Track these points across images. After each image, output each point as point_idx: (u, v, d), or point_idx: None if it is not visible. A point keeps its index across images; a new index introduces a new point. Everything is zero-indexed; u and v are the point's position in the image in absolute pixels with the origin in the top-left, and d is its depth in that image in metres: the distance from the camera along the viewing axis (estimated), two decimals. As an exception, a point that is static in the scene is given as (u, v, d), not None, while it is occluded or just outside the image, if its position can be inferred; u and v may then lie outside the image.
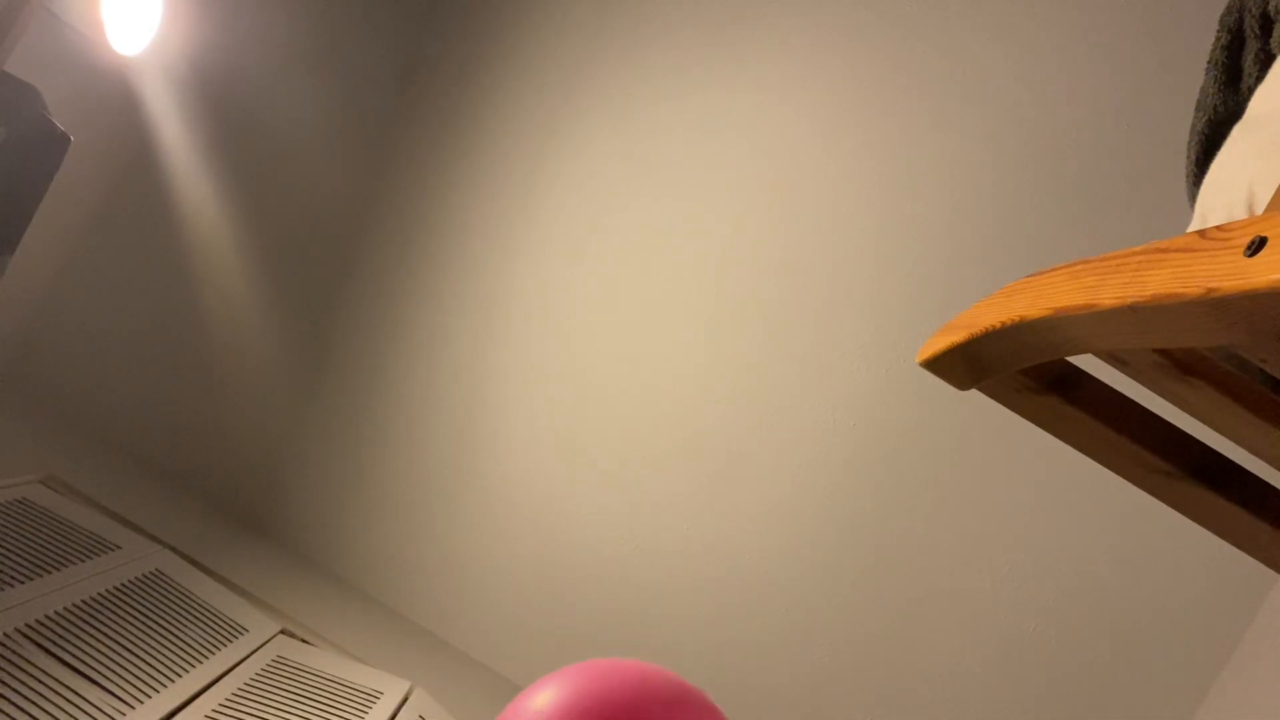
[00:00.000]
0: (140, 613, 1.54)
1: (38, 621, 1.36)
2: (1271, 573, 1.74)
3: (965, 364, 0.71)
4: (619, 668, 0.86)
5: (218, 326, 2.23)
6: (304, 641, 1.78)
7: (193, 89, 2.21)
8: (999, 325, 0.63)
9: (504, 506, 2.12)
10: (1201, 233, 0.46)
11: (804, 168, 2.04)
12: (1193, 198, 0.75)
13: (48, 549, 1.56)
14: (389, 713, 1.63)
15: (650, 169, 2.09)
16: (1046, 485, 1.94)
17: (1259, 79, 0.70)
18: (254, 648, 1.64)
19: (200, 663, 1.51)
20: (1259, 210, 0.57)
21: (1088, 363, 0.69)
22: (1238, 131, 0.67)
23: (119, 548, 1.69)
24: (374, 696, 1.66)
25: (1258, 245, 0.41)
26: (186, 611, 1.63)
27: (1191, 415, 0.68)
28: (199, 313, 2.24)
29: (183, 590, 1.69)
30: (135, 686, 1.36)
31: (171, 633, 1.54)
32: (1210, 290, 0.43)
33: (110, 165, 2.23)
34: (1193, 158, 0.76)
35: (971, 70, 1.98)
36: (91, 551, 1.63)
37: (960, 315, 0.69)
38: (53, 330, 2.27)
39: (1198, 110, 0.76)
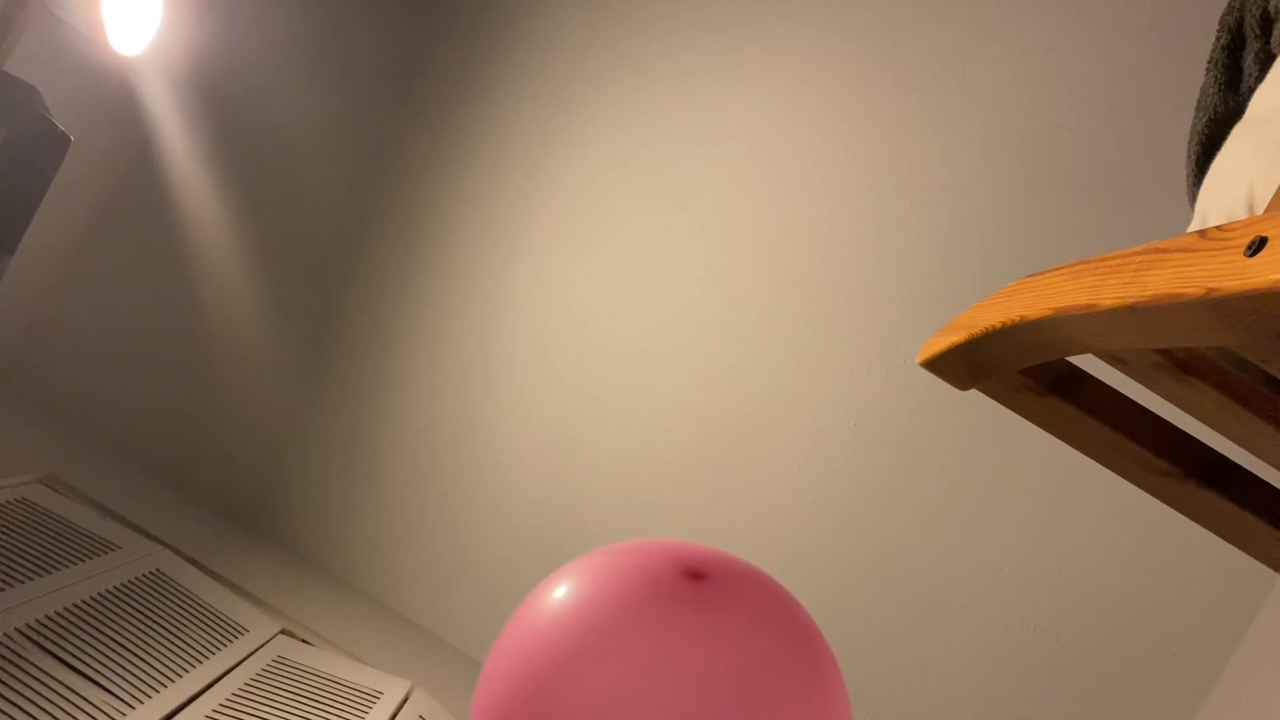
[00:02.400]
0: (140, 613, 1.54)
1: (38, 621, 1.36)
2: (1271, 573, 1.74)
3: (965, 364, 0.71)
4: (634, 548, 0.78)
5: (218, 327, 2.23)
6: (304, 641, 1.78)
7: (193, 89, 2.21)
8: (999, 325, 0.63)
9: (504, 506, 2.12)
10: (1201, 233, 0.46)
11: (802, 170, 2.04)
12: (1193, 198, 0.75)
13: (48, 549, 1.56)
14: (389, 713, 1.63)
15: (649, 172, 2.09)
16: (1047, 485, 1.94)
17: (1259, 79, 0.70)
18: (254, 648, 1.64)
19: (200, 663, 1.51)
20: (1259, 210, 0.57)
21: (1088, 363, 0.69)
22: (1238, 132, 0.67)
23: (119, 548, 1.69)
24: (374, 696, 1.66)
25: (1258, 245, 0.41)
26: (186, 611, 1.63)
27: (1191, 415, 0.68)
28: (199, 313, 2.24)
29: (183, 590, 1.69)
30: (135, 686, 1.36)
31: (171, 633, 1.54)
32: (1210, 290, 0.43)
33: (110, 165, 2.23)
34: (1193, 158, 0.76)
35: (970, 72, 1.98)
36: (91, 551, 1.63)
37: (960, 315, 0.69)
38: (53, 330, 2.27)
39: (1198, 110, 0.76)
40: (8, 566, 1.46)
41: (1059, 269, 0.58)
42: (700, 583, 0.73)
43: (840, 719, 0.73)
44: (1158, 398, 0.68)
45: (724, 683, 0.67)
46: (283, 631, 1.76)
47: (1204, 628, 1.87)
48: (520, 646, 0.73)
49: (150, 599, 1.60)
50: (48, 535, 1.61)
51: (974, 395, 0.78)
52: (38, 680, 1.26)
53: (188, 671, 1.47)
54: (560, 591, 0.75)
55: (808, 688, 0.71)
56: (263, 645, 1.67)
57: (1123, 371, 0.66)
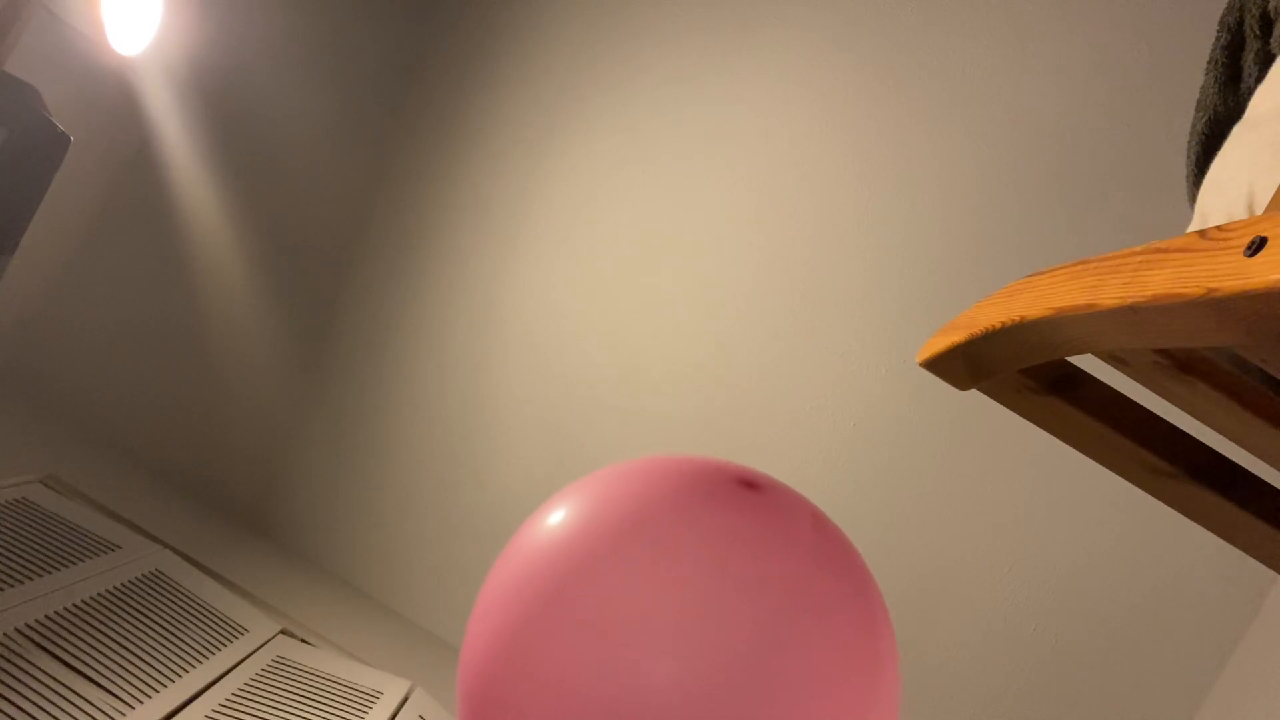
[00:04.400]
0: (140, 613, 1.54)
1: (38, 621, 1.36)
2: (1271, 573, 1.74)
3: (965, 364, 0.71)
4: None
5: (217, 327, 2.23)
6: (304, 641, 1.78)
7: (193, 89, 2.21)
8: (999, 325, 0.63)
9: (503, 506, 2.12)
10: (1201, 233, 0.46)
11: (800, 170, 2.04)
12: (1193, 198, 0.75)
13: (48, 549, 1.56)
14: (389, 713, 1.63)
15: (647, 173, 2.09)
16: (1046, 485, 1.94)
17: (1259, 79, 0.70)
18: (254, 648, 1.64)
19: (200, 663, 1.51)
20: (1259, 210, 0.57)
21: (1088, 363, 0.69)
22: (1238, 131, 0.67)
23: (119, 548, 1.69)
24: (374, 696, 1.66)
25: (1258, 245, 0.41)
26: (186, 611, 1.63)
27: (1191, 415, 0.68)
28: (199, 313, 2.24)
29: (183, 590, 1.69)
30: (135, 686, 1.36)
31: (171, 633, 1.54)
32: (1210, 290, 0.43)
33: (110, 165, 2.23)
34: (1193, 158, 0.76)
35: (969, 72, 1.98)
36: (91, 551, 1.63)
37: (960, 315, 0.69)
38: (53, 330, 2.27)
39: (1198, 110, 0.76)
40: (8, 566, 1.46)
41: (1059, 269, 0.58)
42: (755, 492, 0.67)
43: (889, 654, 0.67)
44: (1158, 398, 0.68)
45: (776, 591, 0.60)
46: (283, 631, 1.76)
47: (1204, 628, 1.87)
48: (544, 542, 0.63)
49: (150, 599, 1.60)
50: (48, 535, 1.61)
51: (974, 395, 0.78)
52: (38, 680, 1.26)
53: (188, 671, 1.47)
54: (593, 490, 0.66)
55: (858, 612, 0.66)
56: (263, 645, 1.67)
57: (1123, 371, 0.66)
